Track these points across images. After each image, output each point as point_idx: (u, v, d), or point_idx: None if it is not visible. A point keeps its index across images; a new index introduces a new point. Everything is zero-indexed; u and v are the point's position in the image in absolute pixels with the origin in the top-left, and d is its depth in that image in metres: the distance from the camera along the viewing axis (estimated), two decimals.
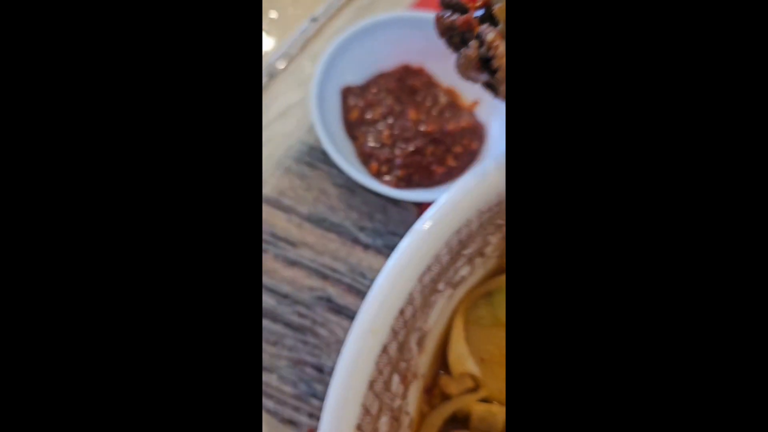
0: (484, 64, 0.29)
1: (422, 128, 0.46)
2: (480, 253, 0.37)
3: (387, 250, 0.47)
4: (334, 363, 0.46)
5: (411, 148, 0.46)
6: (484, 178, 0.32)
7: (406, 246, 0.31)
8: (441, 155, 0.46)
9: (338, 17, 0.56)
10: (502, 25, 0.29)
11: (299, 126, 0.51)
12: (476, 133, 0.48)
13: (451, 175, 0.47)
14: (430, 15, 0.51)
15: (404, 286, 0.30)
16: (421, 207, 0.48)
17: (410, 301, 0.31)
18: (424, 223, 0.31)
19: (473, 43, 0.30)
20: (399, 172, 0.45)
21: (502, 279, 0.38)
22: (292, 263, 0.47)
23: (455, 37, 0.31)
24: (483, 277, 0.39)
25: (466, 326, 0.38)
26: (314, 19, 0.56)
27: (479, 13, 0.30)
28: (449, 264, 0.33)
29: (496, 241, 0.38)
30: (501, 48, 0.28)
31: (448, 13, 0.31)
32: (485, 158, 0.48)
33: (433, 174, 0.46)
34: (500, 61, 0.28)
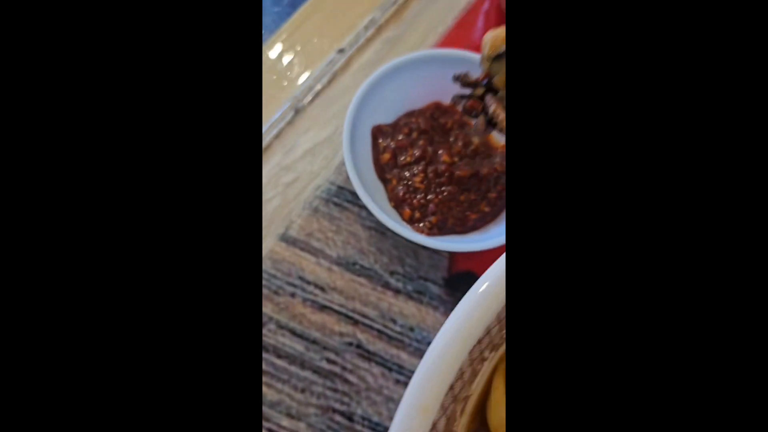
0: (491, 125, 0.42)
1: (456, 172, 0.46)
2: None
3: (418, 295, 0.47)
4: (364, 411, 0.45)
5: (445, 193, 0.45)
6: None
7: (457, 318, 0.30)
8: (475, 201, 0.45)
9: (366, 49, 0.55)
10: (501, 92, 0.42)
11: (327, 164, 0.50)
12: None
13: (485, 220, 0.46)
14: (460, 53, 0.50)
15: (455, 362, 0.30)
16: (453, 252, 0.47)
17: (460, 375, 0.30)
18: (476, 296, 0.30)
19: (481, 117, 0.42)
20: (432, 218, 0.45)
21: None
22: (322, 308, 0.46)
23: (471, 112, 0.43)
24: None
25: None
26: (341, 51, 0.55)
27: (484, 83, 0.42)
28: (497, 333, 0.32)
29: None
30: (501, 115, 0.41)
31: (461, 100, 0.43)
32: None
33: (467, 220, 0.45)
34: (501, 124, 0.41)
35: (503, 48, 0.42)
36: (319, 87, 0.53)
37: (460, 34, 0.56)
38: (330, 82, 0.53)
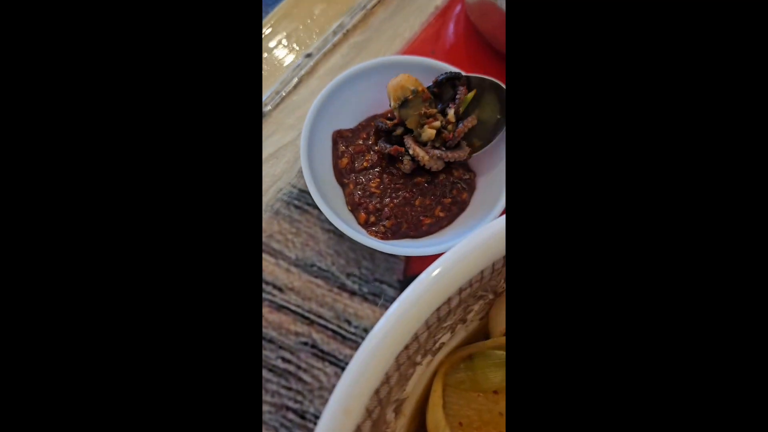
0: (415, 162, 0.47)
1: (414, 178, 0.46)
2: (461, 320, 0.37)
3: (373, 297, 0.48)
4: (316, 409, 0.46)
5: (400, 198, 0.46)
6: (464, 257, 0.32)
7: (382, 326, 0.31)
8: (430, 206, 0.46)
9: (333, 54, 0.56)
10: (416, 131, 0.47)
11: (290, 168, 0.51)
12: (467, 183, 0.48)
13: (440, 225, 0.47)
14: (422, 60, 0.50)
15: (380, 366, 0.30)
16: (409, 256, 0.48)
17: (386, 380, 0.31)
18: (401, 305, 0.31)
19: (406, 158, 0.47)
20: (387, 222, 0.45)
21: (483, 344, 0.38)
22: (279, 308, 0.47)
23: (396, 156, 0.47)
24: (464, 339, 0.40)
25: (446, 390, 0.38)
26: (308, 55, 0.55)
27: (399, 126, 0.47)
28: (427, 339, 0.33)
29: (477, 307, 0.38)
30: (420, 153, 0.46)
31: (384, 146, 0.47)
32: (474, 208, 0.48)
33: (420, 224, 0.46)
34: (423, 160, 0.46)
35: (406, 95, 0.46)
36: (285, 92, 0.54)
37: (427, 40, 0.57)
38: (296, 86, 0.54)
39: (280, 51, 0.56)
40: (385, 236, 0.45)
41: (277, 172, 0.51)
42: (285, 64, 0.55)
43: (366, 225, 0.46)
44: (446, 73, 0.48)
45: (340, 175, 0.48)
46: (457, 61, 0.55)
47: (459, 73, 0.48)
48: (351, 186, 0.47)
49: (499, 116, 0.48)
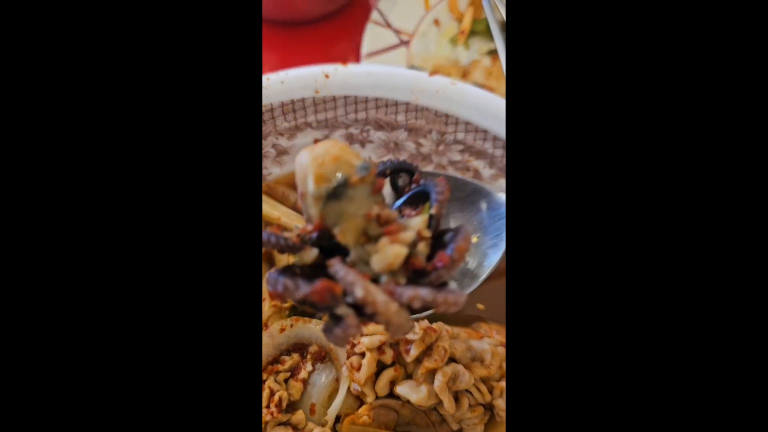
0: (363, 316, 0.23)
1: None
2: None
3: None
4: None
5: None
6: None
7: None
8: None
9: None
10: (356, 252, 0.24)
11: None
12: None
13: None
14: None
15: None
16: None
17: None
18: None
19: (342, 308, 0.23)
20: None
21: None
22: None
23: (315, 304, 0.24)
24: None
25: None
26: None
27: (313, 239, 0.24)
28: None
29: None
30: (375, 296, 0.22)
31: (293, 284, 0.23)
32: None
33: None
34: (380, 311, 0.22)
35: (340, 175, 0.23)
36: None
37: None
38: None
39: None
40: None
41: None
42: None
43: None
44: (392, 162, 0.29)
45: None
46: None
47: (411, 166, 0.29)
48: None
49: (475, 239, 0.32)
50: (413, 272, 0.24)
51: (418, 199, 0.27)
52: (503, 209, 0.31)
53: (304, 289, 0.22)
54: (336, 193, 0.24)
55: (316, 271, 0.24)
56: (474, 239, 0.31)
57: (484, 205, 0.32)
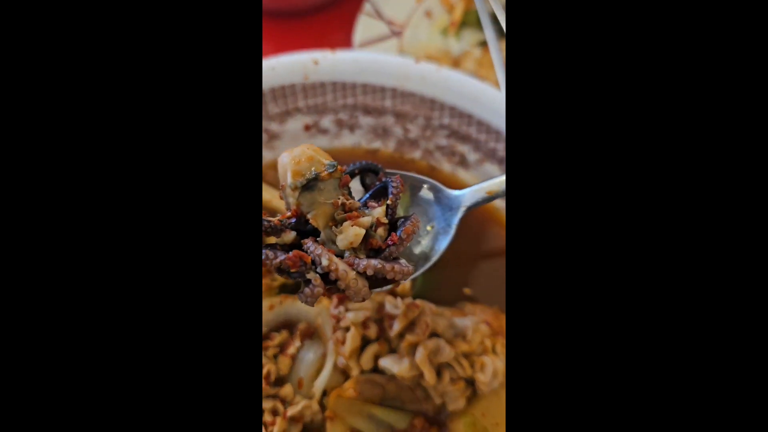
0: (331, 283, 0.30)
1: None
2: None
3: None
4: None
5: None
6: None
7: None
8: None
9: None
10: (325, 233, 0.31)
11: None
12: None
13: None
14: None
15: None
16: None
17: None
18: None
19: (312, 275, 0.29)
20: None
21: None
22: None
23: (292, 273, 0.29)
24: None
25: None
26: None
27: (291, 224, 0.31)
28: None
29: None
30: (340, 267, 0.29)
31: (273, 254, 0.29)
32: None
33: None
34: (346, 281, 0.29)
35: (313, 171, 0.31)
36: None
37: None
38: None
39: None
40: None
41: None
42: None
43: None
44: (360, 163, 0.35)
45: None
46: None
47: (376, 167, 0.36)
48: None
49: (430, 228, 0.37)
50: (371, 250, 0.31)
51: (381, 194, 0.33)
52: (454, 202, 0.36)
53: (280, 257, 0.29)
54: (309, 186, 0.31)
55: (294, 249, 0.30)
56: (429, 228, 0.37)
57: (437, 199, 0.37)
